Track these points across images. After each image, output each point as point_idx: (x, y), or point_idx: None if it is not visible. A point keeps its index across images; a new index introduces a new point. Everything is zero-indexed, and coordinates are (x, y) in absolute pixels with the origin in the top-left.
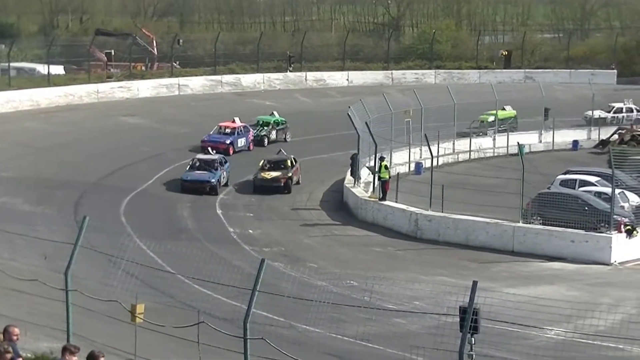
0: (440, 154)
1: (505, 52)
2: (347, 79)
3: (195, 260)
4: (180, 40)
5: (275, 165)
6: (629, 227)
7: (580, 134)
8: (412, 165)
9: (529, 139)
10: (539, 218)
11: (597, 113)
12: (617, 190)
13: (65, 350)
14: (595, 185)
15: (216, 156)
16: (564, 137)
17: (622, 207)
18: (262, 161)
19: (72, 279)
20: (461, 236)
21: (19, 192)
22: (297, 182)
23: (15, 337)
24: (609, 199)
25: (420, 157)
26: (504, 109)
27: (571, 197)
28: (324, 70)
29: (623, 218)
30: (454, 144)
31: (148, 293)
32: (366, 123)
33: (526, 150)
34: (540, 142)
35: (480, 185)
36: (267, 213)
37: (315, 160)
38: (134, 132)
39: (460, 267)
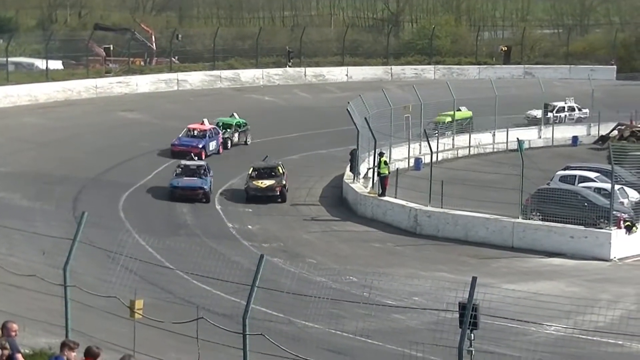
0: (439, 149)
1: (504, 48)
2: (347, 75)
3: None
4: (179, 35)
5: (266, 172)
6: (628, 223)
7: (580, 130)
8: (412, 161)
9: (529, 135)
10: (538, 214)
11: (538, 113)
12: (617, 186)
13: (64, 345)
14: (595, 181)
15: (202, 162)
16: (564, 132)
17: (622, 203)
18: (251, 169)
19: (70, 274)
20: (460, 232)
21: (17, 188)
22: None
23: (13, 333)
24: (609, 194)
25: (420, 153)
26: (459, 109)
27: (571, 193)
28: (323, 66)
29: (622, 214)
30: (453, 139)
31: (147, 289)
32: (365, 118)
33: (526, 146)
34: (540, 137)
35: (480, 181)
36: (266, 209)
37: (314, 155)
38: (133, 128)
39: (459, 263)
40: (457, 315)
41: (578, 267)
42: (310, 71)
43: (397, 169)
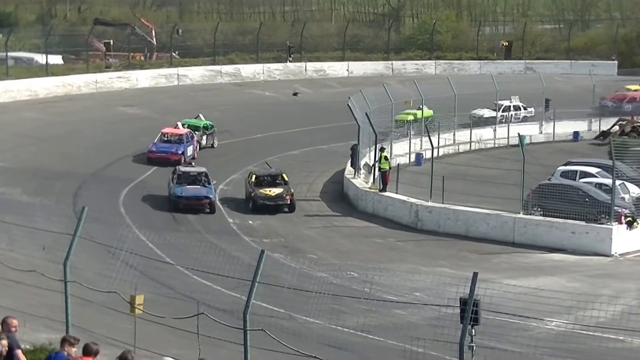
0: (440, 144)
1: (505, 43)
2: (347, 70)
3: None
4: (180, 30)
5: (270, 180)
6: (629, 219)
7: (581, 125)
8: (413, 156)
9: (530, 130)
10: (539, 209)
11: (484, 112)
12: (618, 182)
13: (64, 341)
14: (596, 176)
15: (202, 168)
16: (565, 128)
17: (623, 198)
18: (252, 176)
19: (70, 270)
20: (461, 227)
21: (17, 183)
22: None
23: (13, 329)
24: (610, 190)
25: (421, 148)
26: (419, 108)
27: (572, 188)
28: (323, 61)
29: (624, 209)
30: (454, 134)
31: (147, 284)
32: (366, 114)
33: (527, 141)
34: (541, 133)
35: (481, 176)
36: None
37: (315, 151)
38: (133, 123)
39: (460, 259)
40: (458, 311)
41: (579, 262)
42: (311, 66)
43: (398, 164)
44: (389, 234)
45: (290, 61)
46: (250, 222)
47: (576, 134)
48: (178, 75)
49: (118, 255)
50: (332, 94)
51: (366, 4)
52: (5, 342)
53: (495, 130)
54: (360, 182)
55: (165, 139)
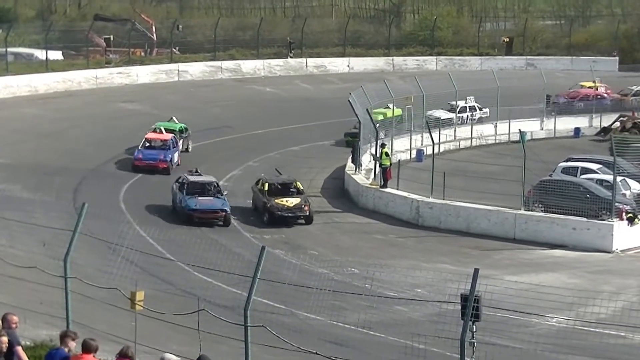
0: (441, 140)
1: (506, 39)
2: (348, 66)
3: (195, 248)
4: (180, 26)
5: (284, 189)
6: (630, 215)
7: (582, 122)
8: (413, 152)
9: (531, 126)
10: (540, 205)
11: (439, 114)
12: (619, 178)
13: (66, 336)
14: (597, 172)
15: (212, 178)
16: (566, 124)
17: (624, 194)
18: (265, 184)
19: (71, 266)
20: (462, 224)
21: (17, 179)
22: None
23: (14, 325)
24: (611, 186)
25: (422, 144)
26: (387, 107)
27: (573, 184)
28: (324, 57)
29: (625, 205)
30: (455, 130)
31: (148, 280)
32: (367, 109)
33: (528, 137)
34: (542, 129)
35: (482, 172)
36: None
37: (315, 147)
38: (133, 118)
39: (461, 255)
40: (459, 307)
41: (580, 258)
42: (312, 62)
43: (399, 160)
44: (390, 230)
45: (290, 57)
46: (251, 218)
47: (577, 130)
48: (178, 71)
49: (118, 251)
50: (332, 90)
51: (367, 0)
52: (5, 338)
53: (496, 126)
54: (361, 178)
55: (149, 145)
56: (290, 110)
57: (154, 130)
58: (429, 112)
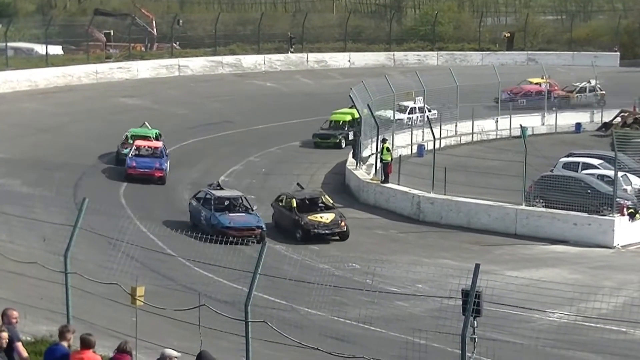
0: (442, 136)
1: (507, 34)
2: (349, 61)
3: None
4: (180, 21)
5: (312, 204)
6: (631, 210)
7: (583, 117)
8: (414, 148)
9: (532, 122)
10: (541, 201)
11: (389, 114)
12: (620, 173)
13: (65, 331)
14: (598, 168)
15: (238, 192)
16: (567, 119)
17: (625, 190)
18: (293, 200)
19: (71, 261)
20: (463, 219)
21: (17, 174)
22: None
23: (14, 320)
24: (612, 181)
25: (423, 140)
26: (352, 106)
27: (574, 179)
28: (325, 52)
29: (626, 201)
30: (456, 126)
31: (148, 276)
32: (368, 105)
33: (529, 132)
34: (543, 124)
35: (483, 167)
36: (268, 195)
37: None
38: (134, 113)
39: (462, 250)
40: (460, 303)
41: (581, 254)
42: (313, 57)
43: (400, 155)
44: (391, 225)
45: (291, 52)
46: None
47: (578, 125)
48: (179, 66)
49: (119, 246)
50: (333, 85)
51: None
52: (5, 334)
53: (497, 121)
54: (362, 173)
55: (139, 152)
56: (291, 105)
57: (126, 138)
58: (379, 112)
